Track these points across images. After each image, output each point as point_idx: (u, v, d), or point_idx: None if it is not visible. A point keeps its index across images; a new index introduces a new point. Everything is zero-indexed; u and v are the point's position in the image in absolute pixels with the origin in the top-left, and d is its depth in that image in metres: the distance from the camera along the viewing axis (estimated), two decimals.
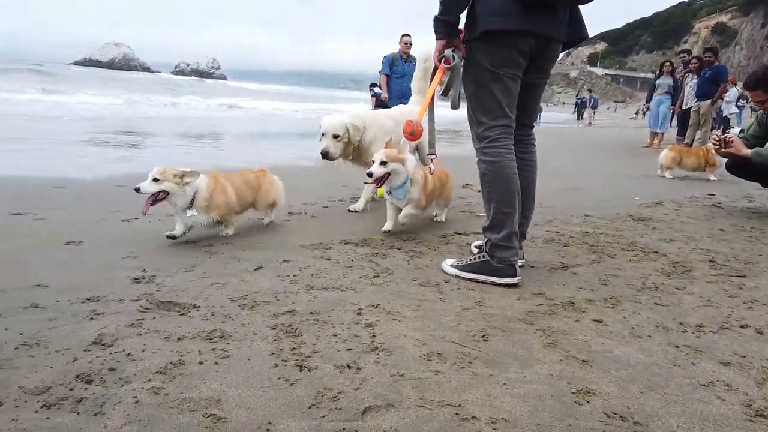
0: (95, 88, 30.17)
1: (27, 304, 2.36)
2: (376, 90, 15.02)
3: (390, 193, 3.80)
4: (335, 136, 4.42)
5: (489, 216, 2.95)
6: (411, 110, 5.19)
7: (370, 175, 3.61)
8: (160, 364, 1.87)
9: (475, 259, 2.99)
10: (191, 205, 3.42)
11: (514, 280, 2.87)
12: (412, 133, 3.02)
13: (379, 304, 2.52)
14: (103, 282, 2.69)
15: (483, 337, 2.20)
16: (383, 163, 3.62)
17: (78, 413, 1.57)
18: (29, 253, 3.10)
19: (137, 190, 3.28)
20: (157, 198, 3.32)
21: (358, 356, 1.99)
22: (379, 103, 11.23)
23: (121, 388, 1.72)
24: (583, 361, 2.04)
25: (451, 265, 3.05)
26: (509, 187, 2.90)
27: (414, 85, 5.34)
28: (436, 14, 2.80)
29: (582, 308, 2.58)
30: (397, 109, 5.31)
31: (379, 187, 3.76)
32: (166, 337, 2.09)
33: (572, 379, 1.90)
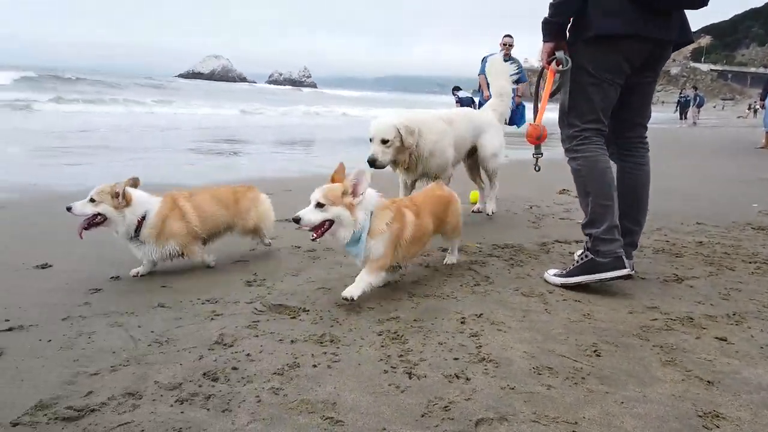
0: (201, 98, 32.06)
1: (155, 304, 2.57)
2: (460, 94, 14.87)
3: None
4: (384, 141, 3.86)
5: (587, 213, 2.88)
6: (466, 112, 4.98)
7: (296, 221, 2.53)
8: (277, 365, 1.97)
9: (578, 262, 2.90)
10: (137, 233, 2.94)
11: (624, 271, 2.74)
12: (539, 137, 2.97)
13: (482, 314, 2.50)
14: (218, 284, 2.87)
15: (595, 351, 2.13)
16: (319, 206, 2.54)
17: (208, 409, 1.69)
18: None
19: (69, 209, 2.86)
20: (93, 221, 2.89)
21: (466, 366, 1.99)
22: (465, 107, 11.11)
23: (243, 387, 1.83)
24: (708, 382, 1.91)
25: (554, 275, 2.97)
26: (605, 179, 2.82)
27: (492, 88, 5.17)
28: (546, 17, 2.77)
29: (702, 324, 2.42)
30: (455, 111, 5.15)
31: (315, 239, 2.62)
32: (280, 340, 2.19)
33: (697, 400, 1.79)
